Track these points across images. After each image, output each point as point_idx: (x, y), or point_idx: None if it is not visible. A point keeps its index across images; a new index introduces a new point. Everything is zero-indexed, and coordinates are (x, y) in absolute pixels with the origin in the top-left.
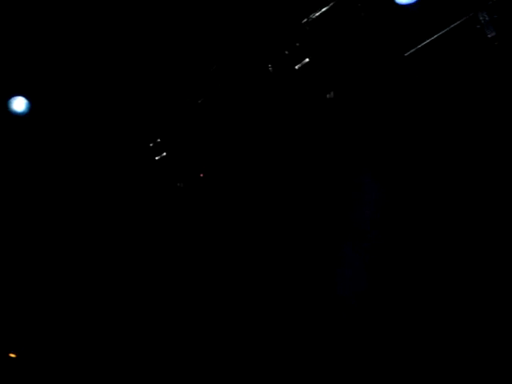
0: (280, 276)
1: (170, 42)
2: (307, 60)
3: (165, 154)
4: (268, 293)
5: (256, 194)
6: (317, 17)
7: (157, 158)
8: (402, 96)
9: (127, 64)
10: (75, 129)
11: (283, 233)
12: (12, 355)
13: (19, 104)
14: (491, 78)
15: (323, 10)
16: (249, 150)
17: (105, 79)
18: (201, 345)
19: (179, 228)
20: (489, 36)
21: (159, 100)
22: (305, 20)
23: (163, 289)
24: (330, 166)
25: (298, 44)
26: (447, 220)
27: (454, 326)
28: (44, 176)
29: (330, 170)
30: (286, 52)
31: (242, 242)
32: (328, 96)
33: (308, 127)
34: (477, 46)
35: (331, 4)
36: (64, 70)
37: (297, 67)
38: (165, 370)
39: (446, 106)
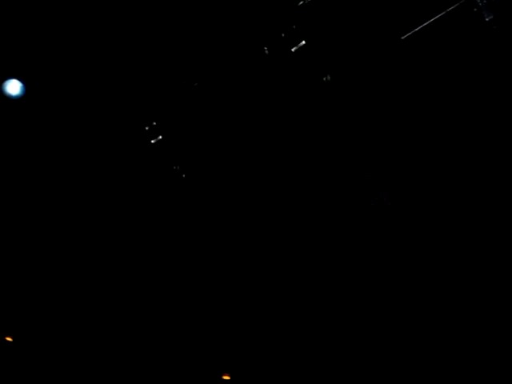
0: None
1: (165, 24)
2: (303, 42)
3: (160, 137)
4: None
5: (252, 175)
6: None
7: (153, 141)
8: (399, 79)
9: (123, 47)
10: (70, 112)
11: (279, 212)
12: (8, 339)
13: (14, 87)
14: (488, 62)
15: None
16: (245, 133)
17: (100, 62)
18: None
19: (175, 211)
20: (486, 19)
21: (155, 83)
22: (301, 2)
23: (159, 270)
24: (326, 149)
25: (294, 26)
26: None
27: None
28: (39, 158)
29: (326, 154)
30: (283, 34)
31: (238, 223)
32: (324, 79)
33: (304, 110)
34: (474, 30)
35: None
36: (58, 53)
37: (293, 50)
38: (163, 367)
39: (443, 90)
